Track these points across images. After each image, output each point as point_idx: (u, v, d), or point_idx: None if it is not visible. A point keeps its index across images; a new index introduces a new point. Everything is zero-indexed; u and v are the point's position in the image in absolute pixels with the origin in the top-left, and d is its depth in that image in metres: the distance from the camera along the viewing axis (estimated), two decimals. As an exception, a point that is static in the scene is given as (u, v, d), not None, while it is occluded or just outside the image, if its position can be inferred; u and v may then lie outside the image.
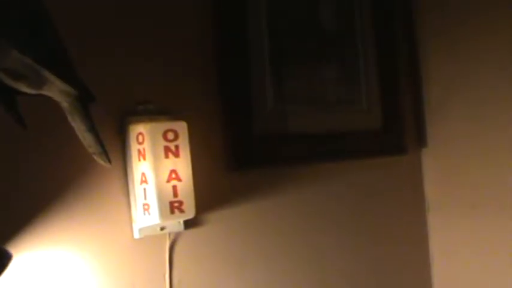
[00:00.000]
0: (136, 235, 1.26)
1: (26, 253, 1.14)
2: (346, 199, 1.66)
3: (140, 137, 1.20)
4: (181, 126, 1.22)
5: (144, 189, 1.21)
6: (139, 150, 1.21)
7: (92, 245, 1.21)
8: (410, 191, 1.84)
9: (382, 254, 1.74)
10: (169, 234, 1.30)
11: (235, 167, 1.41)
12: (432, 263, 1.87)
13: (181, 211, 1.21)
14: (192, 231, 1.34)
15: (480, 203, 1.75)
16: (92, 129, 0.85)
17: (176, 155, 1.21)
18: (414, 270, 1.84)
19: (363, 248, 1.69)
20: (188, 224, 1.32)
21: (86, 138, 0.86)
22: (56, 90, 0.81)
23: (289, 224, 1.53)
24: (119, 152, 1.25)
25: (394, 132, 1.75)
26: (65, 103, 0.83)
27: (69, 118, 0.85)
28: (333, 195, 1.62)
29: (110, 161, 0.89)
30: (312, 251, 1.57)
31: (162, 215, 1.19)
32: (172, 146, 1.20)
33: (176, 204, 1.20)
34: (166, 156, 1.19)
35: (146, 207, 1.21)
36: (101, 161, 0.89)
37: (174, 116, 1.26)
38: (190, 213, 1.23)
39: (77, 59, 0.87)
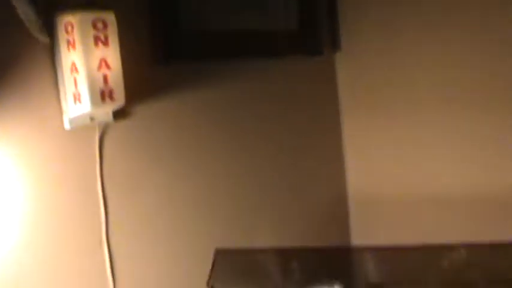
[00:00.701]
0: (67, 126, 1.27)
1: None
2: (266, 96, 1.74)
3: (69, 27, 1.20)
4: (110, 16, 1.24)
5: (75, 78, 1.22)
6: (68, 40, 1.21)
7: (21, 138, 1.20)
8: (325, 93, 1.95)
9: (300, 149, 1.85)
10: (99, 124, 1.33)
11: (161, 60, 1.45)
12: (347, 161, 1.99)
13: (112, 99, 1.25)
14: (120, 123, 1.38)
15: (390, 103, 1.88)
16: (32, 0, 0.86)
17: (105, 43, 1.23)
18: (330, 169, 1.97)
19: (283, 143, 1.80)
20: (117, 116, 1.36)
21: (27, 12, 0.87)
22: None
23: (211, 119, 1.60)
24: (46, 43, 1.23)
25: (309, 33, 1.83)
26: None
27: None
28: (253, 92, 1.70)
29: (48, 36, 0.91)
30: (233, 145, 1.66)
31: (93, 102, 1.22)
32: (101, 35, 1.22)
33: (107, 92, 1.24)
34: (96, 45, 1.21)
35: (77, 96, 1.23)
36: (40, 36, 0.90)
37: (102, 6, 1.26)
38: (120, 101, 1.27)
39: None
